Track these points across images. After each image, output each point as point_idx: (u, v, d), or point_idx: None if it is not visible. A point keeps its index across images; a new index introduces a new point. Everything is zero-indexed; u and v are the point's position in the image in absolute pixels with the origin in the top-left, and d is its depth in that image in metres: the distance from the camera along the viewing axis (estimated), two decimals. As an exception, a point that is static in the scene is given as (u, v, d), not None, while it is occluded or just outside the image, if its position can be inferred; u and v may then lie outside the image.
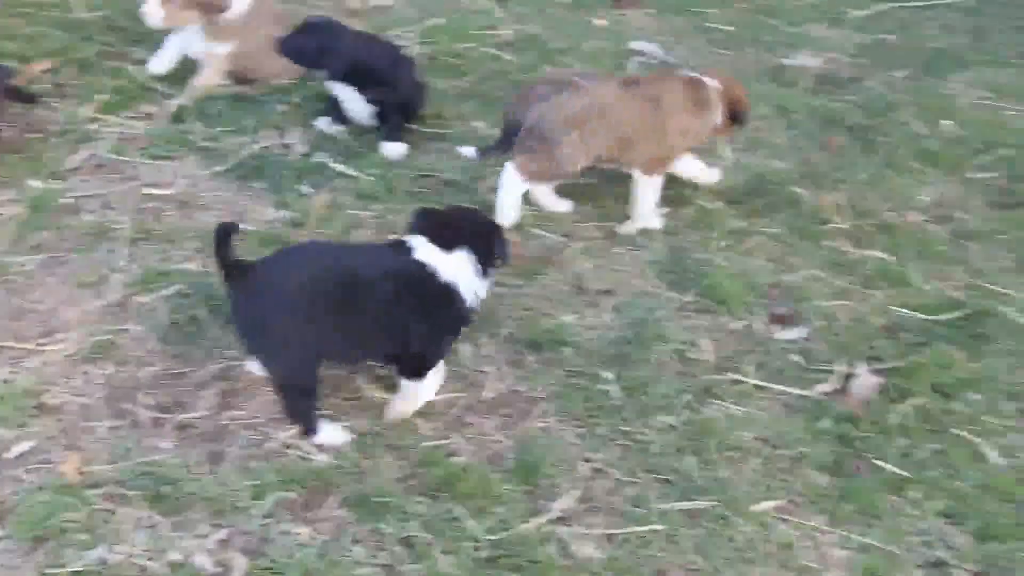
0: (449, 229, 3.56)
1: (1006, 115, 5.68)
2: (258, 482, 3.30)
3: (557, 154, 4.41)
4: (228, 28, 5.19)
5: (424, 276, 3.47)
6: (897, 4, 7.16)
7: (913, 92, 5.92)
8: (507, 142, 4.68)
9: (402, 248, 3.52)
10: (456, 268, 3.51)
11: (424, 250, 3.50)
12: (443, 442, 3.54)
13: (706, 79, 4.63)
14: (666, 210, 4.74)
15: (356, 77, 4.92)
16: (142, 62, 5.33)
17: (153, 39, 5.41)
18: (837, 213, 4.86)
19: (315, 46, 4.82)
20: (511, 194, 4.48)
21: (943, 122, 5.58)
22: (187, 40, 5.26)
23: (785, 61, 6.27)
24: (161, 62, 5.27)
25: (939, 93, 5.93)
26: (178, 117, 5.02)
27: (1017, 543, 3.35)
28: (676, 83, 4.59)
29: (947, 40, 6.65)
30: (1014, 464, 3.64)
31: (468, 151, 4.91)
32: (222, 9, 5.12)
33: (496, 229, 3.71)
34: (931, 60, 6.31)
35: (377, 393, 3.68)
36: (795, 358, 4.03)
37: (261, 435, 3.50)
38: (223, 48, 5.23)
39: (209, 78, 5.26)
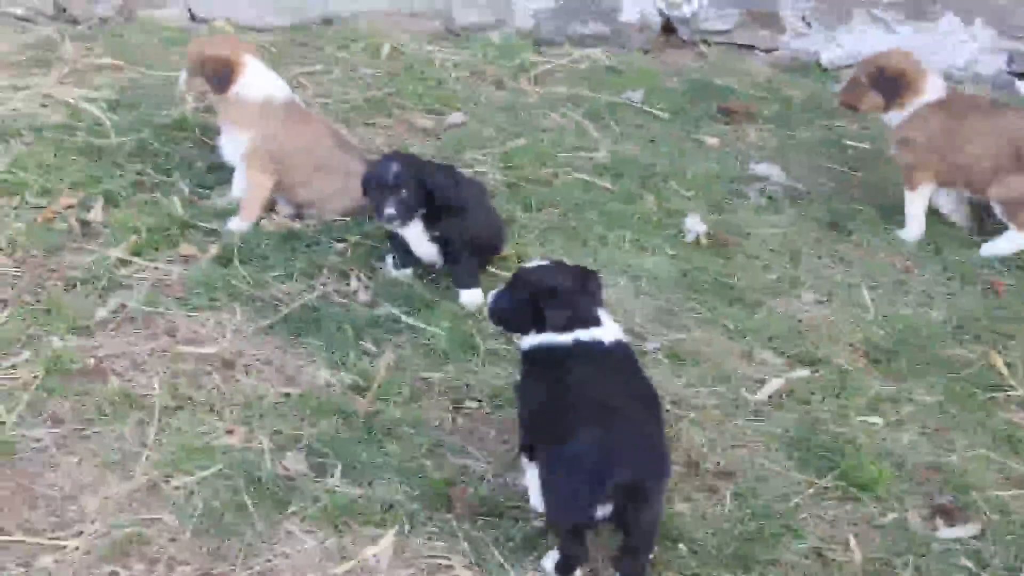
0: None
1: None
2: None
3: None
4: (246, 112, 5.36)
5: None
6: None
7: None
8: None
9: None
10: None
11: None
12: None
13: None
14: (799, 373, 4.71)
15: (427, 211, 5.00)
16: (182, 194, 5.53)
17: (196, 168, 5.65)
18: (1010, 376, 4.78)
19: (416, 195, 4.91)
20: None
21: None
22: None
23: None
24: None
25: None
26: (222, 260, 5.13)
27: None
28: None
29: None
30: None
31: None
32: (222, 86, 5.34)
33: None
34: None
35: None
36: (965, 562, 3.91)
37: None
38: (242, 136, 5.39)
39: (255, 189, 5.43)
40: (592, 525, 3.57)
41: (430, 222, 4.99)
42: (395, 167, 4.89)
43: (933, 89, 5.68)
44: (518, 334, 4.02)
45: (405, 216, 4.89)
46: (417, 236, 5.05)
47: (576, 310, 3.81)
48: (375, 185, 4.90)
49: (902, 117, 5.69)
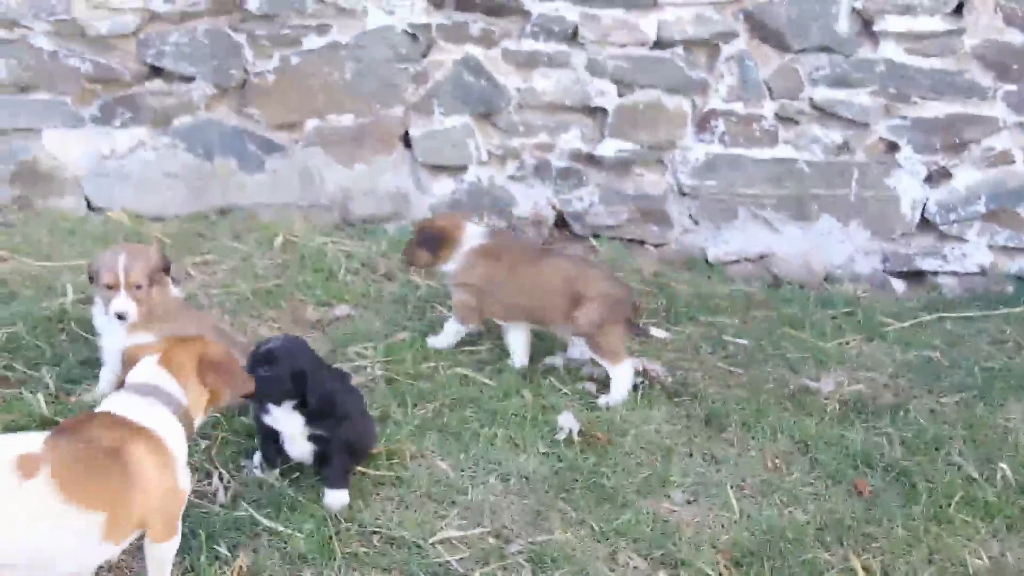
0: None
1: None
2: None
3: None
4: (152, 317, 5.33)
5: None
6: (944, 315, 7.25)
7: (964, 424, 5.86)
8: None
9: None
10: None
11: None
12: None
13: None
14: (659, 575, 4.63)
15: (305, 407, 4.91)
16: (48, 390, 5.40)
17: (67, 362, 5.56)
18: (870, 581, 4.71)
19: (290, 377, 4.83)
20: None
21: (1000, 464, 5.48)
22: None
23: (809, 383, 6.28)
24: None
25: (995, 425, 5.86)
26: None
27: None
28: None
29: (1003, 359, 6.66)
30: None
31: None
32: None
33: None
34: (985, 383, 6.29)
35: None
36: None
37: None
38: (148, 335, 5.24)
39: None
40: None
41: (312, 420, 4.91)
42: (269, 346, 4.89)
43: (470, 238, 6.20)
44: None
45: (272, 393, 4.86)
46: (295, 433, 4.95)
47: None
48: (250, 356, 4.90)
49: (456, 266, 6.21)
